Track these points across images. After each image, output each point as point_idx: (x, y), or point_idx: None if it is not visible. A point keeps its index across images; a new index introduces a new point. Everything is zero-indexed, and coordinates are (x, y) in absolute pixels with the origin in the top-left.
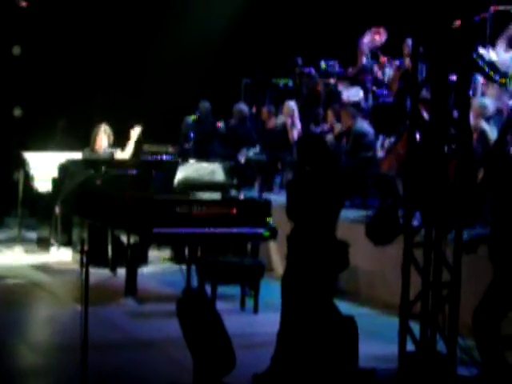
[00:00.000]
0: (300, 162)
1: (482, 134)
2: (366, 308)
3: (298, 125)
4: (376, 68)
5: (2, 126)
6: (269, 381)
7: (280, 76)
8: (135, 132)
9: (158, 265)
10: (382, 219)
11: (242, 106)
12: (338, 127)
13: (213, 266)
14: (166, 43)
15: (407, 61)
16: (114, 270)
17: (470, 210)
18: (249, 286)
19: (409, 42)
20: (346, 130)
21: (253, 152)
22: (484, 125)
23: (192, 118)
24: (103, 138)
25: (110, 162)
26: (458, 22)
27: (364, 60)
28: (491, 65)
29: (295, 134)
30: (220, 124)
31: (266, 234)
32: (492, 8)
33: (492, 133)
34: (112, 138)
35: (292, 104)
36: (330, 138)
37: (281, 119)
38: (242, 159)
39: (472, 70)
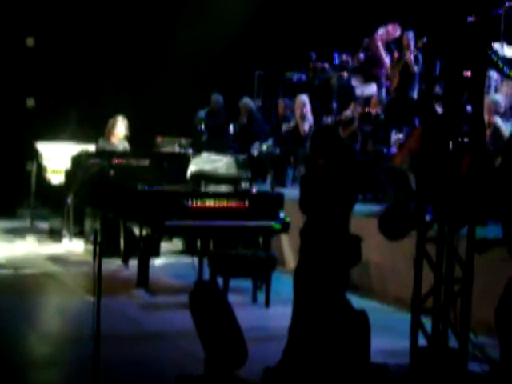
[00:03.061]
0: (313, 155)
1: (497, 130)
2: (377, 302)
3: (310, 118)
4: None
5: (15, 116)
6: (280, 374)
7: (293, 69)
8: None
9: (170, 257)
10: (395, 214)
11: (247, 101)
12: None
13: (225, 258)
14: (179, 36)
15: (407, 54)
16: (126, 261)
17: (483, 205)
18: (260, 279)
19: (409, 34)
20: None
21: (266, 145)
22: (498, 121)
23: (205, 110)
24: (119, 128)
25: (123, 153)
26: (472, 18)
27: (382, 53)
28: (505, 60)
29: (307, 127)
30: (231, 127)
31: (278, 227)
32: (507, 3)
33: (506, 129)
34: (127, 129)
35: (304, 97)
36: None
37: (287, 126)
38: (255, 152)
39: (486, 65)
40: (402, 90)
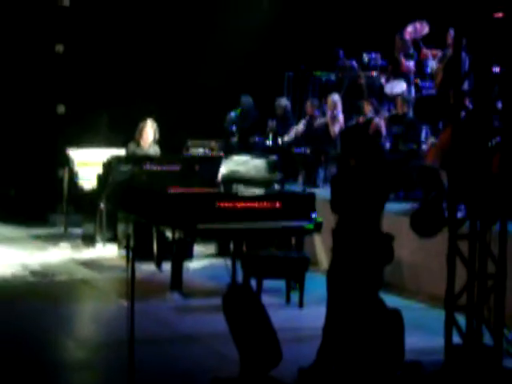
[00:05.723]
0: (344, 155)
1: None
2: (411, 301)
3: (341, 118)
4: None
5: (46, 123)
6: (314, 375)
7: (322, 69)
8: None
9: (203, 260)
10: (427, 211)
11: (285, 102)
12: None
13: (258, 260)
14: (208, 38)
15: (451, 51)
16: (159, 265)
17: None
18: (294, 279)
19: (452, 32)
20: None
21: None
22: None
23: (235, 112)
24: (149, 132)
25: (154, 158)
26: (500, 14)
27: (411, 51)
28: None
29: (337, 127)
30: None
31: (311, 227)
32: None
33: None
34: (158, 133)
35: (336, 97)
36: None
37: (323, 120)
38: (286, 138)
39: None
40: (445, 87)
